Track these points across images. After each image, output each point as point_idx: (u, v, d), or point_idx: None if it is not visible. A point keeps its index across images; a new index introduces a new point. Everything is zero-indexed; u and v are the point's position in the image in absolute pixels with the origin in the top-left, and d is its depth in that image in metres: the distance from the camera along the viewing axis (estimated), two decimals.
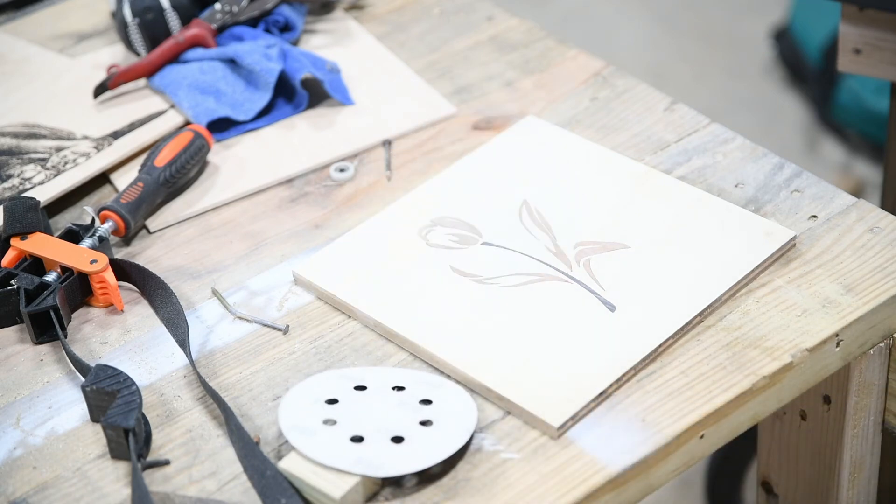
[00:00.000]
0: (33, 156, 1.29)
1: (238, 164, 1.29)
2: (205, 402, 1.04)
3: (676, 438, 0.98)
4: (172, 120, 1.33)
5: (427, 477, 0.96)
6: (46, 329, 1.11)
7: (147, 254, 1.20)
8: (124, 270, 1.15)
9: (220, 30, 1.41)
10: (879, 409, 1.14)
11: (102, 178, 1.29)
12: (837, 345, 1.05)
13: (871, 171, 2.64)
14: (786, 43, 2.88)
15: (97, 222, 1.18)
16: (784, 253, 1.11)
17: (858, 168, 2.67)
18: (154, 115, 1.34)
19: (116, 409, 0.98)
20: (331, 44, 1.45)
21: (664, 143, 1.26)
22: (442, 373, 1.04)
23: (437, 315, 1.08)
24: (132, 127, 1.32)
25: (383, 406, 0.99)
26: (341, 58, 1.41)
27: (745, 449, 1.82)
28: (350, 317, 1.10)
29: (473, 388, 1.02)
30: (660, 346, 1.03)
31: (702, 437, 0.99)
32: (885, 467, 1.21)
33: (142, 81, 1.38)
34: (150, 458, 1.00)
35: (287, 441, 0.98)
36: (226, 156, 1.30)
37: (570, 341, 1.04)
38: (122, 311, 1.13)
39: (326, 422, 0.98)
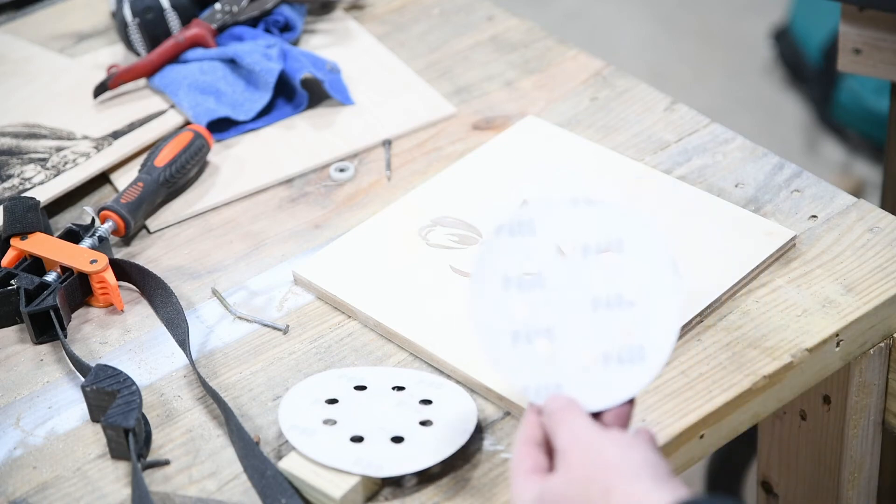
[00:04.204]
0: (33, 156, 1.29)
1: (238, 164, 1.29)
2: (205, 402, 1.04)
3: (676, 438, 0.98)
4: (172, 120, 1.33)
5: (427, 477, 0.96)
6: (46, 329, 1.11)
7: (147, 254, 1.20)
8: (124, 270, 1.15)
9: (220, 30, 1.41)
10: (879, 409, 1.14)
11: (102, 178, 1.29)
12: (837, 345, 1.05)
13: (871, 171, 2.64)
14: (786, 43, 2.88)
15: (97, 222, 1.18)
16: (784, 253, 1.11)
17: (858, 168, 2.67)
18: (154, 115, 1.33)
19: (116, 409, 0.98)
20: (331, 44, 1.45)
21: (664, 143, 1.26)
22: (442, 373, 1.04)
23: (437, 315, 1.08)
24: (132, 127, 1.32)
25: (383, 406, 0.99)
26: (341, 58, 1.41)
27: (745, 449, 1.82)
28: (350, 317, 1.10)
29: (473, 388, 1.02)
30: None
31: (702, 437, 0.99)
32: (885, 467, 1.21)
33: (142, 81, 1.38)
34: (150, 458, 1.00)
35: (287, 441, 0.98)
36: (226, 156, 1.30)
37: None
38: (122, 311, 1.13)
39: (326, 422, 0.98)
